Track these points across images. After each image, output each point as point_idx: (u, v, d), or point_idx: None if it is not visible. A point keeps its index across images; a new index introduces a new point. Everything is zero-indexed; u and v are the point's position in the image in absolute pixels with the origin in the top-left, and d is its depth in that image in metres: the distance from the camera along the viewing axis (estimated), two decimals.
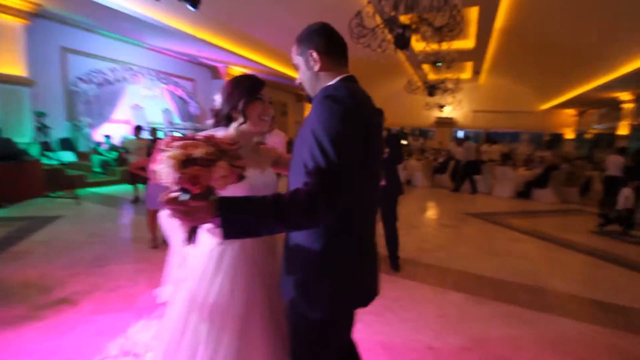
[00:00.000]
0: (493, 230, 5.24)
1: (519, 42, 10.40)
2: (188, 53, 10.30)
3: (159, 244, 3.73)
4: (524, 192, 8.13)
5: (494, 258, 3.94)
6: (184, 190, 0.81)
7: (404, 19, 6.15)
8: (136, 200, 5.71)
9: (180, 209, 0.80)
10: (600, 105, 13.44)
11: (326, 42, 1.05)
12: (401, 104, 16.82)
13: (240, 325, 1.10)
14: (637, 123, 10.89)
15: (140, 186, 5.76)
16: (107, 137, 7.61)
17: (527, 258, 4.02)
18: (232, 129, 1.21)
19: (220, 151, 0.88)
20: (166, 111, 10.64)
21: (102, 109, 8.57)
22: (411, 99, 15.51)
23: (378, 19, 6.45)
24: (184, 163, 0.79)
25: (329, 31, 1.07)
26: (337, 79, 1.04)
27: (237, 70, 12.02)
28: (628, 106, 11.06)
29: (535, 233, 5.13)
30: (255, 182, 1.20)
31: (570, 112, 15.88)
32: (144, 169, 3.59)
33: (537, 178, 7.89)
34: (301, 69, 1.09)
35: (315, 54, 1.03)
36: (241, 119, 1.18)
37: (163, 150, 0.82)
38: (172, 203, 0.80)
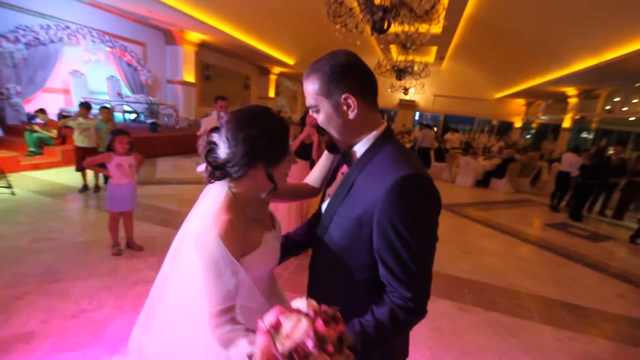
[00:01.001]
0: (462, 224, 5.48)
1: (483, 31, 10.66)
2: (137, 13, 9.02)
3: (123, 249, 3.30)
4: (483, 180, 8.64)
5: (468, 257, 4.11)
6: None
7: (382, 1, 5.87)
8: (85, 189, 5.01)
9: None
10: (548, 97, 14.51)
11: (363, 81, 0.85)
12: None
13: None
14: (579, 117, 11.95)
15: (90, 172, 5.06)
16: (42, 110, 6.48)
17: (496, 255, 4.25)
18: (234, 186, 0.89)
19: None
20: (112, 79, 9.38)
21: (33, 75, 7.27)
22: (378, 78, 15.45)
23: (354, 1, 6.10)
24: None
25: (362, 65, 0.86)
26: (376, 132, 0.88)
27: (194, 36, 10.90)
28: (573, 100, 12.06)
29: (498, 227, 5.45)
30: (274, 245, 0.97)
31: (520, 101, 17.01)
32: (103, 165, 3.09)
33: (496, 168, 8.38)
34: (325, 114, 0.86)
35: (352, 99, 0.83)
36: (264, 181, 0.88)
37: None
38: None
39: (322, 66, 0.84)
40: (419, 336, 2.48)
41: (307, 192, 1.18)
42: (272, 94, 16.51)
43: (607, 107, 11.03)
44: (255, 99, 16.01)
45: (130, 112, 9.52)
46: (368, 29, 6.41)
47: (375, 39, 12.57)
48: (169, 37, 10.88)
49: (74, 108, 7.59)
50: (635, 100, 9.98)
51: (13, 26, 6.82)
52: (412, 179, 0.77)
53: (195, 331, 0.86)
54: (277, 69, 15.76)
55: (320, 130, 1.14)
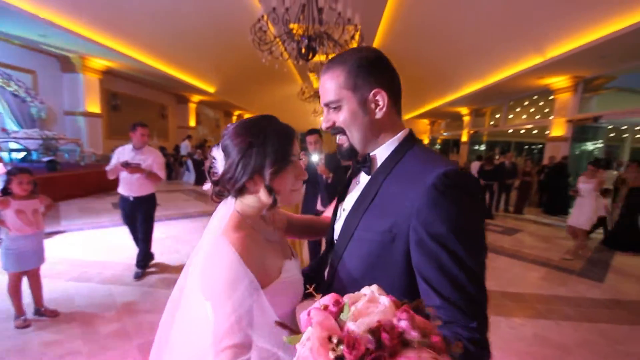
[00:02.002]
0: None
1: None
2: (26, 38, 7.76)
3: (31, 319, 2.59)
4: None
5: None
6: None
7: (305, 30, 6.16)
8: None
9: None
10: (447, 116, 16.82)
11: (392, 78, 0.79)
12: (292, 109, 17.09)
13: None
14: (472, 131, 14.05)
15: None
16: None
17: None
18: (239, 205, 0.80)
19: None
20: None
21: None
22: (300, 105, 15.93)
23: (272, 29, 6.27)
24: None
25: (390, 62, 0.80)
26: (401, 134, 0.81)
27: (99, 63, 9.81)
28: (466, 118, 14.18)
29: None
30: (297, 275, 0.83)
31: (425, 121, 19.39)
32: None
33: None
34: (349, 111, 0.76)
35: (383, 95, 0.75)
36: (265, 196, 0.77)
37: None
38: None
39: (346, 59, 0.75)
40: None
41: (325, 228, 1.01)
42: (192, 123, 15.63)
43: (492, 122, 13.24)
44: (174, 129, 14.95)
45: (18, 150, 7.93)
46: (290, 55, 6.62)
47: (296, 68, 13.07)
48: (66, 64, 9.56)
49: None
50: (511, 116, 12.18)
51: None
52: (457, 175, 0.65)
53: None
54: (196, 97, 15.06)
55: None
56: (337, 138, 0.82)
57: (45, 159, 7.52)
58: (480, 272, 0.64)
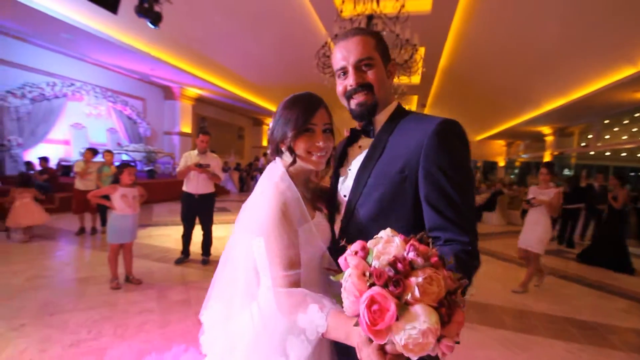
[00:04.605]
0: None
1: (457, 81, 11.61)
2: (140, 71, 9.68)
3: (122, 283, 3.24)
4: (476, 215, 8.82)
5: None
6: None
7: None
8: (82, 232, 4.98)
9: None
10: (526, 137, 15.39)
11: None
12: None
13: None
14: (557, 153, 12.61)
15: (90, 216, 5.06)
16: (44, 158, 6.62)
17: (495, 279, 4.26)
18: (284, 163, 0.97)
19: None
20: (112, 131, 9.73)
21: (35, 128, 7.53)
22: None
23: None
24: (447, 311, 0.53)
25: None
26: (393, 104, 0.98)
27: (192, 92, 11.60)
28: (549, 138, 12.82)
29: (495, 254, 5.50)
30: (326, 224, 1.00)
31: (501, 142, 17.93)
32: (107, 197, 3.18)
33: (486, 202, 8.61)
34: (379, 69, 0.91)
35: (393, 69, 0.95)
36: (288, 156, 0.93)
37: (400, 304, 0.53)
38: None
39: (372, 32, 0.92)
40: None
41: None
42: (265, 143, 17.12)
43: (583, 144, 11.75)
44: (249, 148, 16.52)
45: (127, 161, 9.74)
46: None
47: None
48: (168, 93, 11.55)
49: (74, 158, 7.77)
50: (607, 136, 10.69)
51: (20, 83, 7.23)
52: (453, 123, 0.83)
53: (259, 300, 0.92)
54: (269, 120, 16.54)
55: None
56: (356, 99, 0.93)
57: (147, 168, 9.07)
58: (471, 197, 0.82)
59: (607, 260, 5.13)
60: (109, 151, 5.24)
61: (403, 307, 0.50)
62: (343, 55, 0.91)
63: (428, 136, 0.81)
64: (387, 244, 0.58)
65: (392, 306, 0.49)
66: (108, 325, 2.50)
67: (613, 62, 6.76)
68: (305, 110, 0.92)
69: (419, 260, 0.53)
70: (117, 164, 4.35)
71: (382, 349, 0.54)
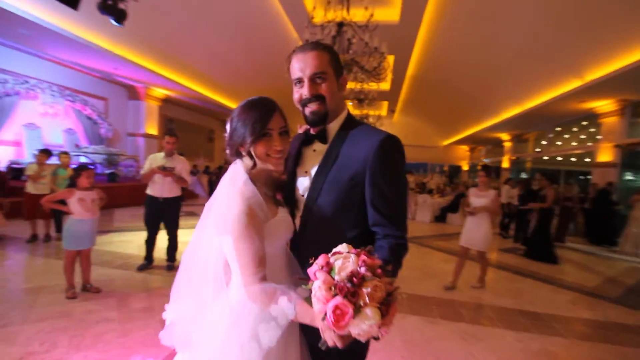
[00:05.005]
0: (425, 253, 5.75)
1: (424, 88, 12.14)
2: (102, 70, 9.24)
3: (79, 292, 3.08)
4: (440, 216, 9.20)
5: (432, 278, 4.29)
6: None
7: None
8: (34, 239, 4.66)
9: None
10: (487, 143, 16.30)
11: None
12: None
13: None
14: (514, 157, 13.46)
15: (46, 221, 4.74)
16: None
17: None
18: (245, 166, 1.02)
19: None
20: (69, 132, 9.18)
21: None
22: None
23: None
24: (387, 306, 0.71)
25: None
26: (345, 113, 1.09)
27: (159, 92, 11.22)
28: (508, 144, 13.66)
29: (457, 253, 5.76)
30: (289, 219, 1.08)
31: (464, 147, 18.87)
32: (63, 202, 3.02)
33: (450, 204, 9.02)
34: (331, 82, 1.01)
35: (344, 82, 1.06)
36: (248, 160, 1.00)
37: (356, 307, 0.69)
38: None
39: (326, 47, 1.02)
40: (391, 346, 2.53)
41: None
42: None
43: (537, 149, 12.63)
44: (219, 151, 16.18)
45: (86, 164, 9.22)
46: None
47: None
48: (132, 93, 11.09)
49: (26, 160, 7.26)
50: (559, 143, 11.56)
51: None
52: (394, 139, 0.99)
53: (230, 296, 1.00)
54: None
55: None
56: (310, 107, 1.02)
57: (107, 171, 8.64)
58: (405, 199, 1.02)
59: (538, 254, 5.68)
60: (65, 153, 4.95)
61: (357, 309, 0.68)
62: (300, 67, 1.00)
63: (374, 150, 0.96)
64: (345, 260, 0.73)
65: (350, 310, 0.67)
66: (62, 337, 2.37)
67: (563, 76, 7.36)
68: (261, 115, 0.97)
69: (369, 274, 0.70)
70: (74, 166, 4.13)
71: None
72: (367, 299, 0.68)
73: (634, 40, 5.60)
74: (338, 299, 0.68)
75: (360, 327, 0.67)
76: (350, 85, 9.43)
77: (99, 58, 8.02)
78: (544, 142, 12.22)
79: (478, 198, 3.95)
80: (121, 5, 4.94)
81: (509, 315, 3.30)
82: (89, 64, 8.74)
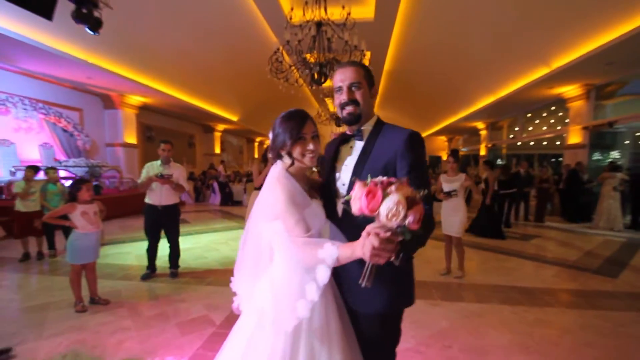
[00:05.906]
0: None
1: (402, 84, 12.45)
2: (74, 80, 8.94)
3: (87, 305, 3.07)
4: None
5: (428, 265, 4.52)
6: (404, 230, 0.86)
7: (317, 58, 6.76)
8: (27, 258, 4.53)
9: (391, 248, 0.87)
10: (464, 132, 16.90)
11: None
12: None
13: (341, 340, 1.19)
14: (490, 145, 14.05)
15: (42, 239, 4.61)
16: None
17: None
18: (284, 165, 1.26)
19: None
20: (45, 146, 8.84)
21: None
22: (319, 128, 16.59)
23: (287, 59, 6.91)
24: (411, 203, 0.85)
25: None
26: (375, 117, 1.35)
27: (135, 99, 10.94)
28: (483, 132, 14.24)
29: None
30: (322, 210, 1.28)
31: (443, 138, 19.47)
32: (66, 217, 3.00)
33: (433, 194, 9.35)
34: (365, 91, 1.28)
35: (375, 92, 1.34)
36: (288, 158, 1.24)
37: (384, 192, 0.87)
38: (387, 243, 0.87)
39: (362, 65, 1.30)
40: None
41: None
42: (217, 150, 16.65)
43: (511, 136, 13.25)
44: (201, 156, 15.96)
45: (67, 178, 8.90)
46: (305, 82, 7.21)
47: (312, 93, 13.87)
48: (107, 102, 10.75)
49: (2, 178, 6.98)
50: (531, 128, 12.18)
51: None
52: (418, 134, 1.24)
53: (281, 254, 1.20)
54: (221, 126, 16.14)
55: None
56: (347, 109, 1.29)
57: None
58: (428, 180, 1.24)
59: (490, 231, 6.25)
60: (52, 168, 4.81)
61: (385, 194, 0.85)
62: (341, 78, 1.29)
63: (403, 141, 1.20)
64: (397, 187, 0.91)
65: (379, 191, 0.85)
66: (83, 349, 2.39)
67: (532, 65, 7.80)
68: (297, 123, 1.23)
69: (394, 179, 0.91)
70: (74, 179, 4.03)
71: (377, 235, 0.87)
72: (393, 188, 0.86)
73: (594, 28, 6.03)
74: (371, 186, 0.87)
75: (387, 205, 0.82)
76: (329, 83, 9.60)
77: (71, 68, 7.76)
78: (517, 129, 12.84)
79: (449, 183, 4.01)
80: (96, 14, 4.85)
81: (502, 292, 3.55)
82: (62, 75, 8.43)
